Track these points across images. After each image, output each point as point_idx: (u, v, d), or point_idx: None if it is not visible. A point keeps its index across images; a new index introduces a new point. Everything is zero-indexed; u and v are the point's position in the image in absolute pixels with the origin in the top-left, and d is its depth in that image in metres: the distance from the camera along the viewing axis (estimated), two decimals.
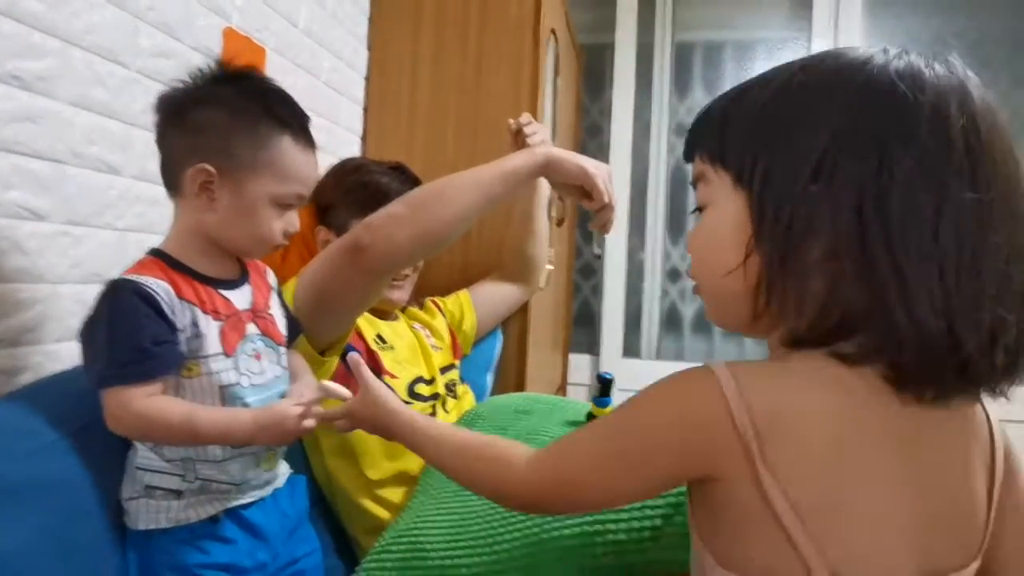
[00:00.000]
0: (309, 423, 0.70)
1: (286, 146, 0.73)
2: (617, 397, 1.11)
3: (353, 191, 1.18)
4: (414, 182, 1.22)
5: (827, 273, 0.44)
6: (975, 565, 0.49)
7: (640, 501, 0.66)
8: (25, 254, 0.81)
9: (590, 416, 1.07)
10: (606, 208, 1.00)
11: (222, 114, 0.71)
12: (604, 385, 1.06)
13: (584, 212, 2.48)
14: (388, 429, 0.68)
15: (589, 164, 0.97)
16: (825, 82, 0.47)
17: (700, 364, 0.48)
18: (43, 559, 0.58)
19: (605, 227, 1.03)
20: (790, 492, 0.44)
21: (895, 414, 0.45)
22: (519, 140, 1.17)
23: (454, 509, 0.87)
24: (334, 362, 1.00)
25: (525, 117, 1.17)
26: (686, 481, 0.51)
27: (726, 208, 0.49)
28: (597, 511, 0.71)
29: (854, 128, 0.45)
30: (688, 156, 0.55)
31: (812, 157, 0.45)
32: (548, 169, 0.97)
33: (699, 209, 0.53)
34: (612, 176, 1.00)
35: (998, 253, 0.43)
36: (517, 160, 0.95)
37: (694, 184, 0.54)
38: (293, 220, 0.76)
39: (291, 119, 0.75)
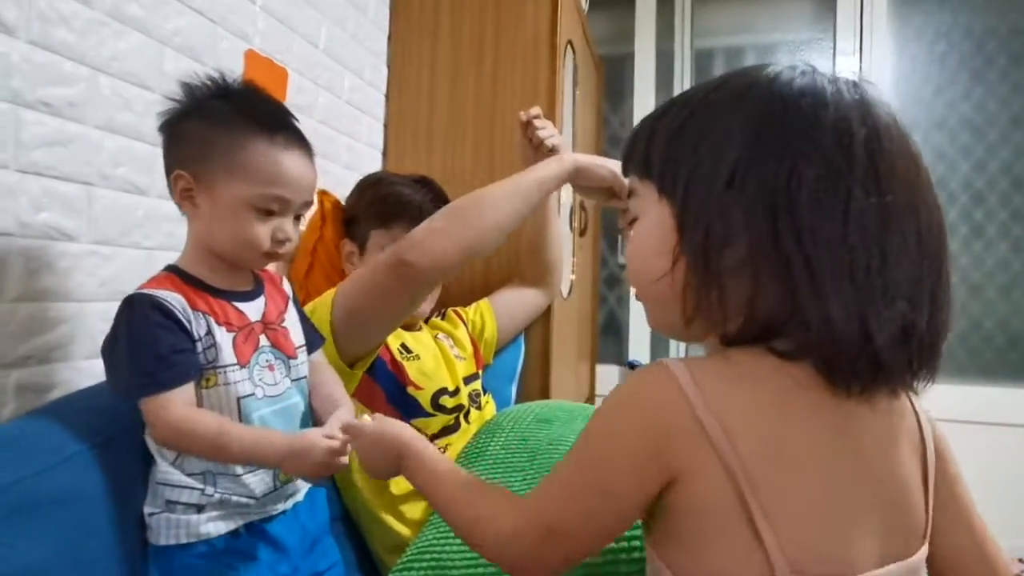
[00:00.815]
0: (343, 460, 0.68)
1: (261, 148, 0.71)
2: None
3: (373, 204, 1.19)
4: (438, 194, 1.23)
5: (746, 277, 0.47)
6: (923, 550, 0.51)
7: (620, 534, 0.57)
8: (55, 274, 0.84)
9: None
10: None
11: (201, 123, 0.72)
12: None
13: (610, 223, 2.48)
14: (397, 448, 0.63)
15: (617, 166, 1.01)
16: (736, 98, 0.50)
17: (651, 364, 0.49)
18: (64, 572, 0.59)
19: None
20: (756, 485, 0.45)
21: (828, 407, 0.47)
22: (528, 132, 1.18)
23: None
24: (359, 375, 1.00)
25: (535, 109, 1.18)
26: (656, 493, 0.48)
27: (653, 218, 0.52)
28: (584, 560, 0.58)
29: (763, 140, 0.48)
30: (624, 171, 0.59)
31: (725, 167, 0.48)
32: (577, 175, 1.01)
33: (633, 221, 0.56)
34: None
35: (906, 252, 0.46)
36: (549, 168, 0.99)
37: (628, 197, 0.57)
38: (283, 226, 0.73)
39: (268, 121, 0.72)
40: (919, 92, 2.27)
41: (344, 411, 0.79)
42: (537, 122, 1.16)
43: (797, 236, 0.45)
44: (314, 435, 0.68)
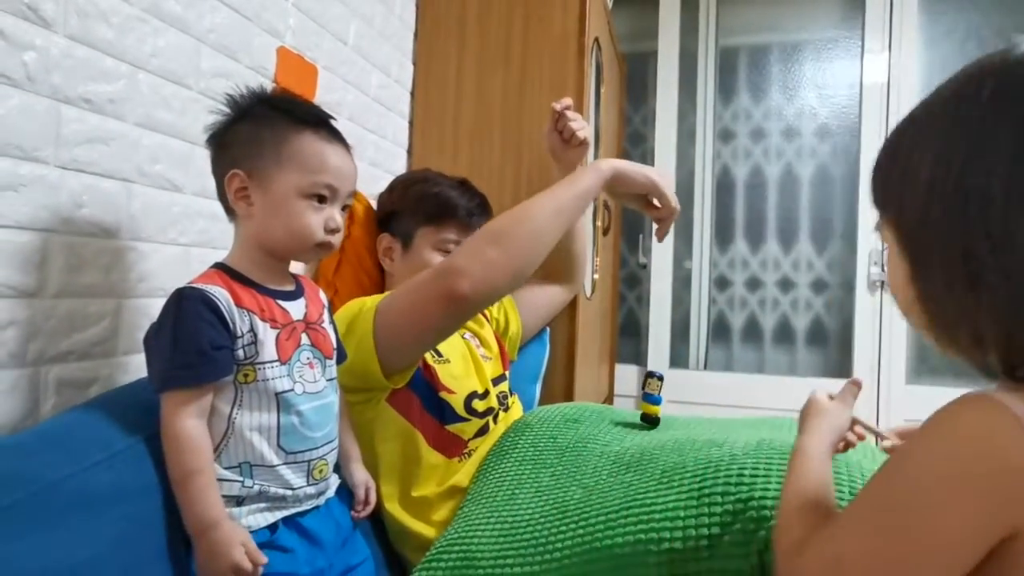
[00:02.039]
0: (245, 571, 0.65)
1: (307, 139, 0.76)
2: (664, 408, 1.09)
3: (422, 201, 1.20)
4: (480, 198, 1.24)
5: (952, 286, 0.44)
6: None
7: None
8: (96, 269, 0.85)
9: (644, 417, 1.05)
10: (672, 215, 1.04)
11: (249, 126, 0.76)
12: (654, 383, 1.06)
13: (631, 222, 2.47)
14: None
15: (653, 173, 1.01)
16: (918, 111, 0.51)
17: (967, 397, 0.44)
18: (115, 568, 0.60)
19: (666, 233, 1.07)
20: None
21: None
22: (560, 123, 1.17)
23: (504, 517, 0.86)
24: (391, 388, 0.99)
25: (567, 100, 1.17)
26: (988, 548, 0.41)
27: (894, 252, 0.51)
28: None
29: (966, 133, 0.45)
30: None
31: (923, 171, 0.46)
32: (615, 182, 1.00)
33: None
34: (673, 183, 1.03)
35: None
36: (589, 180, 0.98)
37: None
38: (333, 215, 0.77)
39: (311, 117, 0.78)
40: None
41: (359, 475, 0.88)
42: (569, 113, 1.16)
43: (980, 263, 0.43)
44: (240, 541, 0.65)
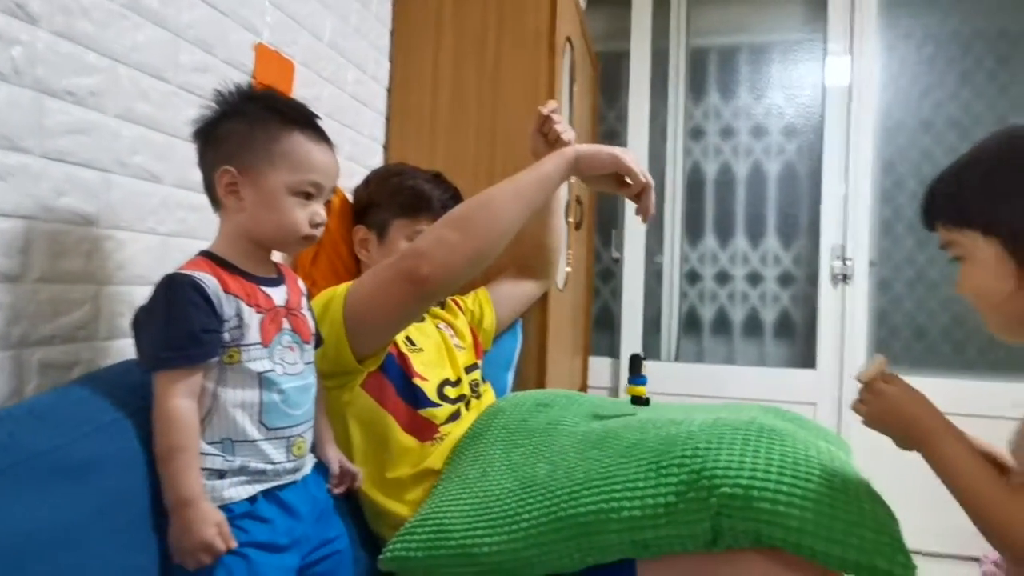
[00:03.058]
0: (204, 559, 0.68)
1: (296, 139, 0.80)
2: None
3: (398, 193, 1.24)
4: (453, 191, 1.28)
5: None
6: None
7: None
8: (77, 256, 0.88)
9: (634, 399, 1.09)
10: (646, 190, 1.02)
11: (239, 123, 0.80)
12: (636, 364, 1.09)
13: (604, 217, 2.53)
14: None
15: (616, 150, 1.01)
16: (1017, 149, 0.68)
17: None
18: (99, 532, 0.64)
19: (649, 210, 1.04)
20: None
21: None
22: (546, 126, 1.20)
23: (475, 493, 0.91)
24: (365, 373, 1.03)
25: (553, 103, 1.21)
26: None
27: (987, 255, 0.68)
28: None
29: None
30: (931, 226, 0.75)
31: None
32: (580, 165, 1.00)
33: (956, 258, 0.72)
34: (639, 159, 1.02)
35: None
36: (550, 165, 0.99)
37: (944, 246, 0.73)
38: (318, 210, 0.82)
39: (299, 117, 0.82)
40: (907, 93, 2.33)
41: (332, 453, 0.92)
42: (555, 116, 1.19)
43: None
44: (213, 521, 0.68)
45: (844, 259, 2.29)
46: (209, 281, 0.74)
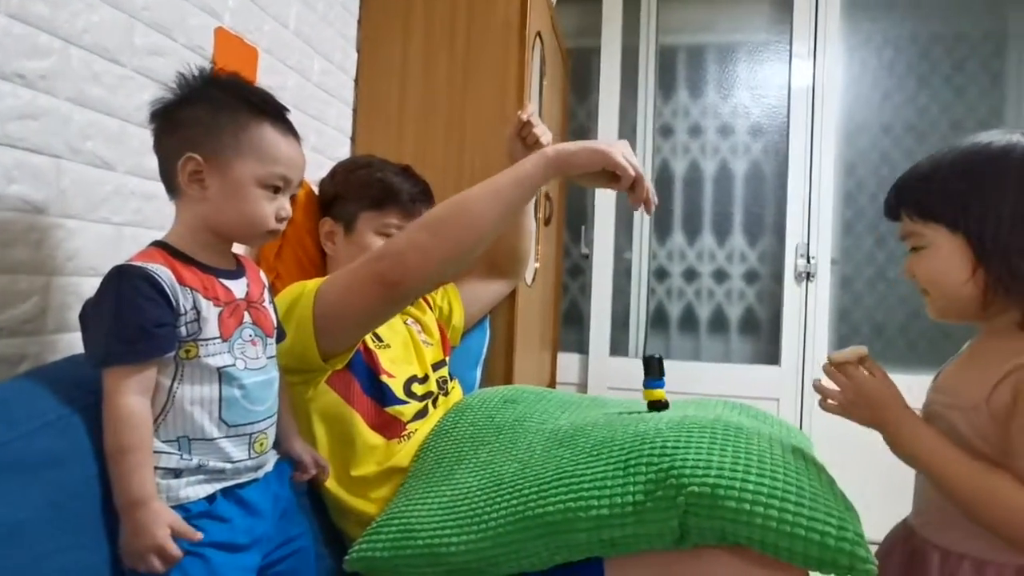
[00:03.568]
0: (156, 564, 0.66)
1: (267, 131, 0.77)
2: (606, 394, 1.12)
3: (367, 186, 1.21)
4: (423, 185, 1.25)
5: None
6: None
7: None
8: (25, 246, 0.83)
9: (651, 405, 1.01)
10: (638, 182, 0.95)
11: (205, 109, 0.76)
12: (652, 366, 1.00)
13: (574, 214, 2.53)
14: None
15: (602, 144, 0.93)
16: (1002, 159, 0.73)
17: None
18: (48, 531, 0.61)
19: (646, 202, 0.97)
20: None
21: None
22: (525, 131, 1.19)
23: (443, 491, 0.90)
24: (329, 371, 1.01)
25: (531, 107, 1.19)
26: None
27: (950, 247, 0.75)
28: None
29: None
30: (895, 216, 0.81)
31: (1008, 209, 0.72)
32: (562, 165, 0.93)
33: (914, 248, 0.79)
34: (629, 148, 0.95)
35: None
36: (528, 165, 0.92)
37: (904, 236, 0.80)
38: (284, 204, 0.79)
39: (269, 108, 0.79)
40: (868, 96, 2.38)
41: (298, 445, 0.90)
42: (534, 119, 1.18)
43: None
44: (167, 522, 0.66)
45: (808, 257, 2.34)
46: (163, 273, 0.71)
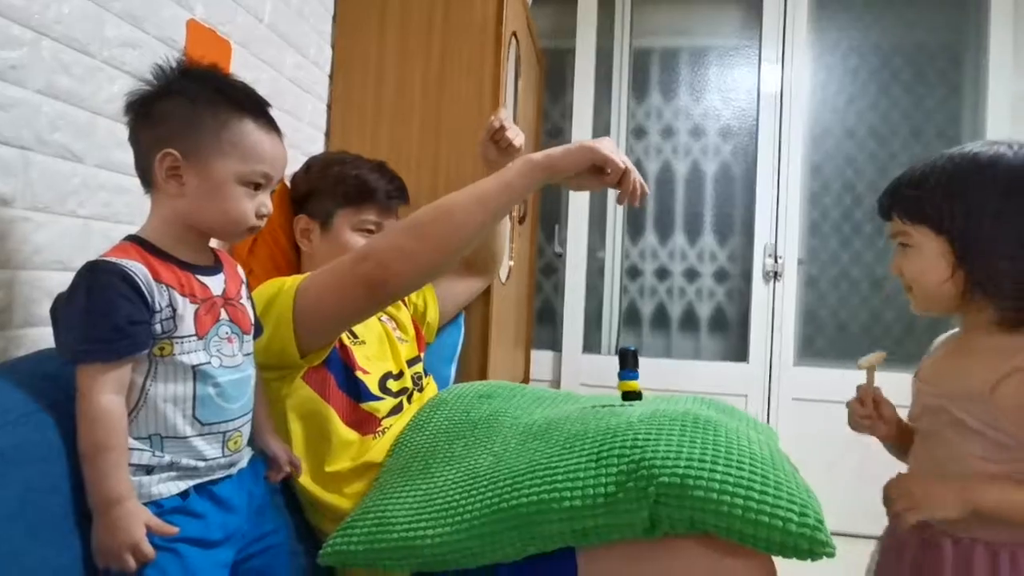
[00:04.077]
0: (130, 560, 0.65)
1: (248, 127, 0.76)
2: (579, 391, 1.14)
3: (342, 182, 1.20)
4: (398, 181, 1.26)
5: (1018, 273, 0.77)
6: None
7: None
8: None
9: (626, 395, 1.04)
10: (626, 174, 0.94)
11: (184, 103, 0.75)
12: (627, 357, 1.03)
13: (548, 213, 2.55)
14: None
15: (587, 142, 0.93)
16: (987, 169, 0.79)
17: None
18: (18, 529, 0.60)
19: (636, 193, 0.96)
20: None
21: None
22: (498, 135, 1.20)
23: (418, 485, 0.90)
24: (305, 367, 1.00)
25: (504, 112, 1.20)
26: None
27: (934, 247, 0.81)
28: None
29: (1012, 198, 0.77)
30: (888, 216, 0.87)
31: (989, 216, 0.77)
32: (550, 169, 0.92)
33: (902, 244, 0.85)
34: (614, 143, 0.95)
35: None
36: (514, 172, 0.92)
37: (894, 235, 0.86)
38: (265, 201, 0.79)
39: (250, 104, 0.78)
40: (834, 101, 2.45)
41: (275, 447, 0.89)
42: (507, 123, 1.19)
43: None
44: (143, 520, 0.66)
45: (775, 257, 2.40)
46: (138, 269, 0.70)
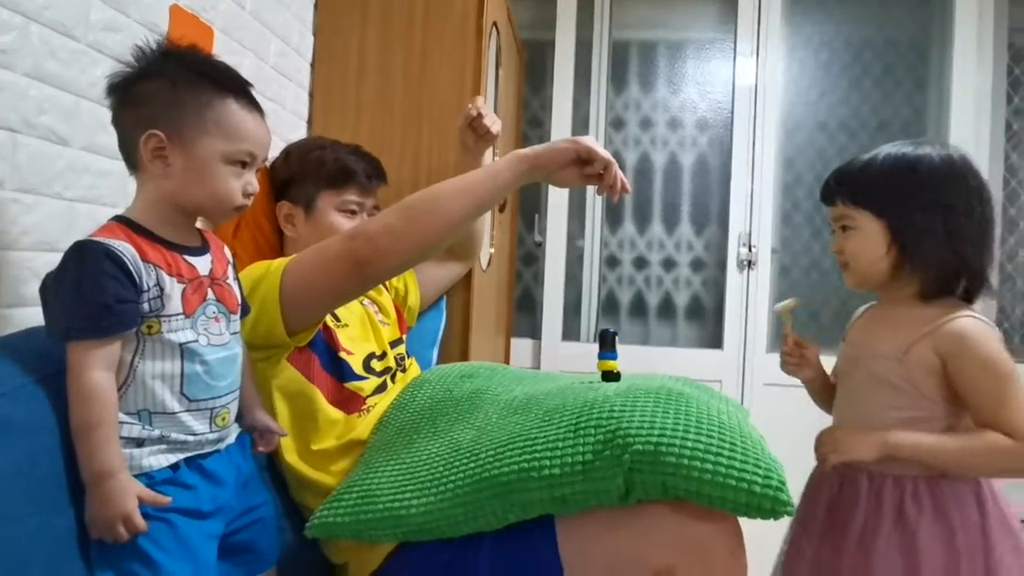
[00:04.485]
0: (122, 532, 0.67)
1: (231, 107, 0.77)
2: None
3: (322, 166, 1.23)
4: (376, 162, 1.29)
5: (940, 253, 0.90)
6: None
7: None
8: None
9: (605, 375, 1.09)
10: (609, 167, 0.99)
11: (165, 84, 0.76)
12: (607, 339, 1.10)
13: (528, 202, 2.58)
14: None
15: (571, 138, 0.99)
16: (919, 163, 0.92)
17: (977, 319, 0.89)
18: (14, 494, 0.61)
19: (616, 188, 1.00)
20: None
21: None
22: (476, 125, 1.23)
23: (402, 459, 0.93)
24: (292, 348, 1.03)
25: (480, 100, 1.24)
26: None
27: (874, 228, 0.93)
28: None
29: (943, 189, 0.91)
30: (832, 202, 0.98)
31: (920, 203, 0.91)
32: (537, 165, 0.97)
33: (844, 228, 0.97)
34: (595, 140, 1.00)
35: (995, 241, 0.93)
36: (502, 167, 0.97)
37: (837, 219, 0.98)
38: (251, 180, 0.80)
39: (232, 84, 0.79)
40: (807, 94, 2.51)
41: (260, 416, 0.90)
42: (484, 110, 1.23)
43: (970, 234, 0.90)
44: (135, 492, 0.68)
45: (749, 246, 2.46)
46: (126, 250, 0.71)
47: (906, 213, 0.91)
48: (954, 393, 0.90)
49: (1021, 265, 2.46)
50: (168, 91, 0.75)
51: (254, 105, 0.81)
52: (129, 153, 0.77)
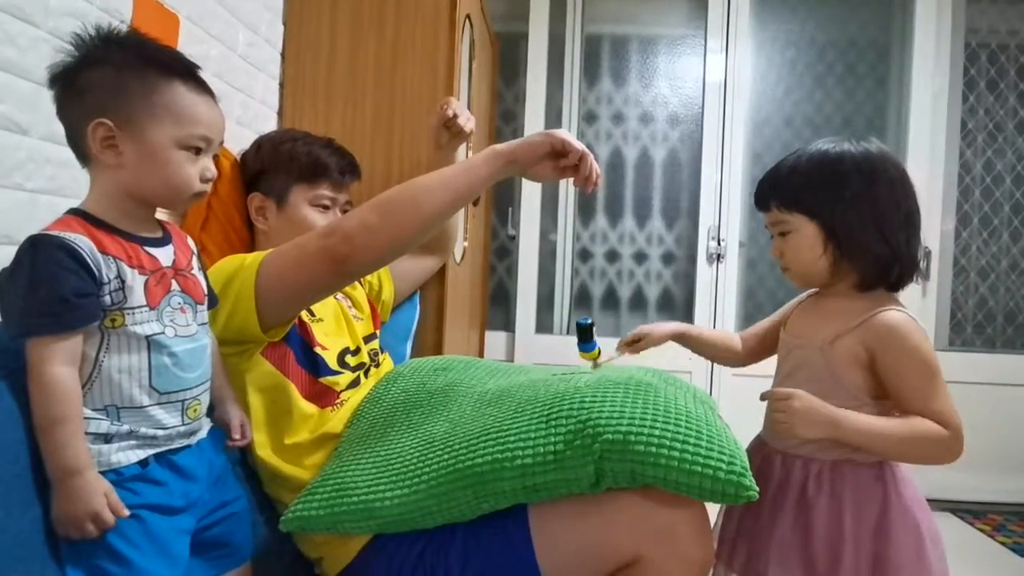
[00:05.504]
0: (91, 528, 0.67)
1: (179, 90, 0.75)
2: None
3: (295, 159, 1.21)
4: (349, 156, 1.28)
5: (873, 246, 0.92)
6: None
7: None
8: None
9: (596, 366, 1.14)
10: (583, 159, 1.00)
11: (109, 71, 0.73)
12: (584, 331, 1.13)
13: (501, 196, 2.58)
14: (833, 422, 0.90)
15: (546, 132, 0.99)
16: (844, 163, 0.94)
17: (902, 313, 0.91)
18: None
19: (591, 177, 1.01)
20: None
21: None
22: (450, 124, 1.23)
23: (377, 452, 0.94)
24: (266, 343, 1.02)
25: (454, 100, 1.23)
26: None
27: (809, 231, 0.95)
28: None
29: (871, 186, 0.92)
30: (766, 207, 0.99)
31: (847, 203, 0.92)
32: (513, 159, 0.97)
33: (782, 233, 0.99)
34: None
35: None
36: (479, 161, 0.97)
37: (773, 224, 1.00)
38: (208, 165, 0.78)
39: (178, 67, 0.76)
40: (773, 91, 2.57)
41: (233, 409, 0.90)
42: (458, 109, 1.22)
43: (891, 234, 0.92)
44: (102, 491, 0.67)
45: (719, 240, 2.50)
46: (83, 242, 0.69)
47: (836, 212, 0.92)
48: (877, 385, 0.92)
49: (974, 258, 2.56)
50: (112, 78, 0.73)
51: (204, 88, 0.78)
52: (78, 145, 0.75)
